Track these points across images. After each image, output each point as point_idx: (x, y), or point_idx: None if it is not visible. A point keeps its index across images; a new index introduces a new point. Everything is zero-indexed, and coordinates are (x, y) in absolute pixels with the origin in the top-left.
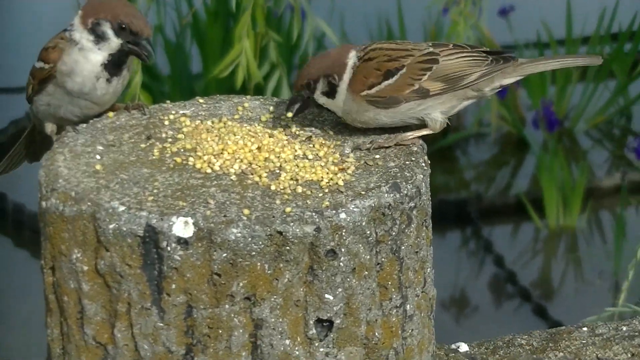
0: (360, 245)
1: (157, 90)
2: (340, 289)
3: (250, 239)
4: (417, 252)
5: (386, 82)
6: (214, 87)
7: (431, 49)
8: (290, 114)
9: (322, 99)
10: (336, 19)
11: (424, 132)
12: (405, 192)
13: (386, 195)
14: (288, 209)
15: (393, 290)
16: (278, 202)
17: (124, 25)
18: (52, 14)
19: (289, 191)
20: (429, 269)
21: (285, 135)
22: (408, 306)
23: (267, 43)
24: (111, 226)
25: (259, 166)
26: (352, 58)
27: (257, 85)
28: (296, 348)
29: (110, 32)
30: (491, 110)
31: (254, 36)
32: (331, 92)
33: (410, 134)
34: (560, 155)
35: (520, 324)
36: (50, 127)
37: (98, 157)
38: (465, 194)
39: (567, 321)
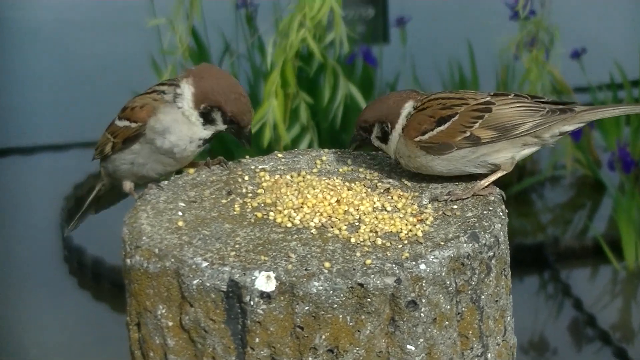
0: (441, 295)
1: (232, 141)
2: (421, 339)
3: (331, 291)
4: (497, 300)
5: (439, 129)
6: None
7: (488, 98)
8: (350, 149)
9: (376, 142)
10: (408, 65)
11: (498, 174)
12: (483, 241)
13: (465, 245)
14: (368, 261)
15: (474, 339)
16: (358, 254)
17: (233, 120)
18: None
19: (369, 243)
20: (509, 318)
21: (364, 187)
22: (489, 355)
23: (298, 104)
24: (195, 282)
25: (339, 219)
26: (407, 108)
27: (285, 147)
28: None
29: (219, 121)
30: (566, 153)
31: (282, 95)
32: (384, 138)
33: (485, 181)
34: (637, 196)
35: None
36: (129, 185)
37: (180, 213)
38: (542, 238)
39: None
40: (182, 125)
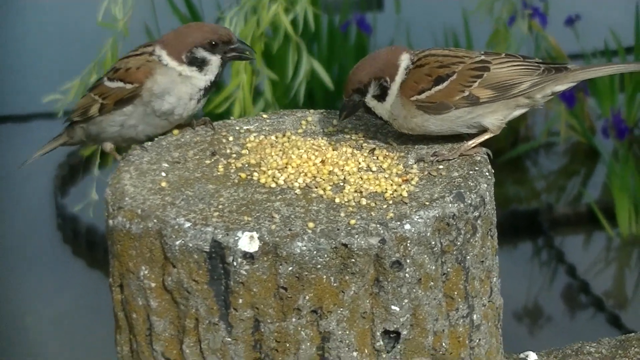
0: (426, 255)
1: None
2: (406, 300)
3: (315, 252)
4: (482, 261)
5: (436, 88)
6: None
7: (483, 57)
8: (338, 120)
9: (372, 102)
10: (402, 31)
11: (486, 136)
12: (469, 201)
13: (450, 205)
14: (352, 221)
15: (459, 300)
16: (342, 214)
17: (214, 42)
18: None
19: (353, 203)
20: (495, 278)
21: (349, 147)
22: (475, 316)
23: (262, 81)
24: (177, 242)
25: (323, 179)
26: (404, 60)
27: None
28: None
29: (207, 54)
30: (560, 120)
31: (250, 71)
32: (382, 95)
33: (472, 142)
34: (631, 163)
35: (593, 334)
36: (109, 146)
37: (163, 174)
38: (536, 205)
39: None
40: (179, 84)
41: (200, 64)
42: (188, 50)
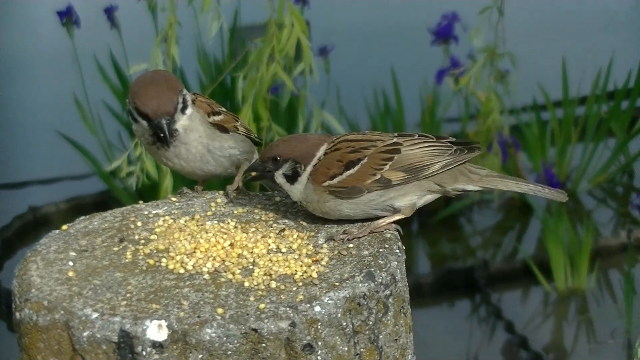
0: (337, 337)
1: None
2: None
3: (225, 338)
4: (396, 339)
5: (347, 172)
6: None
7: (396, 139)
8: (245, 177)
9: (280, 180)
10: (332, 92)
11: (397, 217)
12: (379, 280)
13: (360, 285)
14: (262, 305)
15: None
16: (252, 298)
17: (140, 110)
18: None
19: (263, 287)
20: (410, 356)
21: (259, 229)
22: None
23: (272, 137)
24: (85, 334)
25: (232, 263)
26: (321, 150)
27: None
28: None
29: (136, 115)
30: None
31: (255, 129)
32: (292, 178)
33: (383, 221)
34: (564, 217)
35: None
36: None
37: (71, 263)
38: (472, 261)
39: None
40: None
41: (132, 118)
42: (128, 100)
